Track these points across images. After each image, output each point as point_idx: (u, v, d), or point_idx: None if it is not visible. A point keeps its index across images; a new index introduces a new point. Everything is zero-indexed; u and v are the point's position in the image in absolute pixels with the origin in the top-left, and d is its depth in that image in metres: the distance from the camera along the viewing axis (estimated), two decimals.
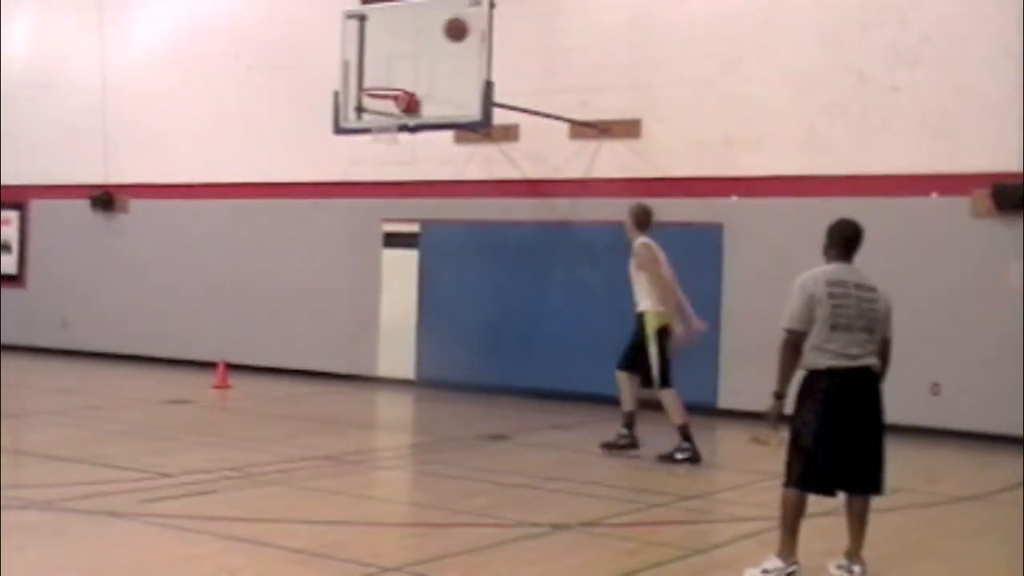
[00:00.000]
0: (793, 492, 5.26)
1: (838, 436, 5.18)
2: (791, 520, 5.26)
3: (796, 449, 5.27)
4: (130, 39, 15.71)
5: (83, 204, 15.84)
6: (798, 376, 5.33)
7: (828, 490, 5.27)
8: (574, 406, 11.78)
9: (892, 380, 8.88)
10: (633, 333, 8.74)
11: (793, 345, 5.22)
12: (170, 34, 15.38)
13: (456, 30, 10.41)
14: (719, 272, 11.60)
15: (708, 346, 11.53)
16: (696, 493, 7.70)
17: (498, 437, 9.66)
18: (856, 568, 5.28)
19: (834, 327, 5.19)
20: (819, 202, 10.40)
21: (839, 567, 5.34)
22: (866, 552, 5.36)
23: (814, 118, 11.21)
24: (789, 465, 5.29)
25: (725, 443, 10.58)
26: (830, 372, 5.20)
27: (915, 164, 10.71)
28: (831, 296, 5.21)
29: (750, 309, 11.14)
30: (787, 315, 5.25)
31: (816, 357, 5.22)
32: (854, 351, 5.20)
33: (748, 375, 10.71)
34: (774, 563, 5.27)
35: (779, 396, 5.28)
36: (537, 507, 6.88)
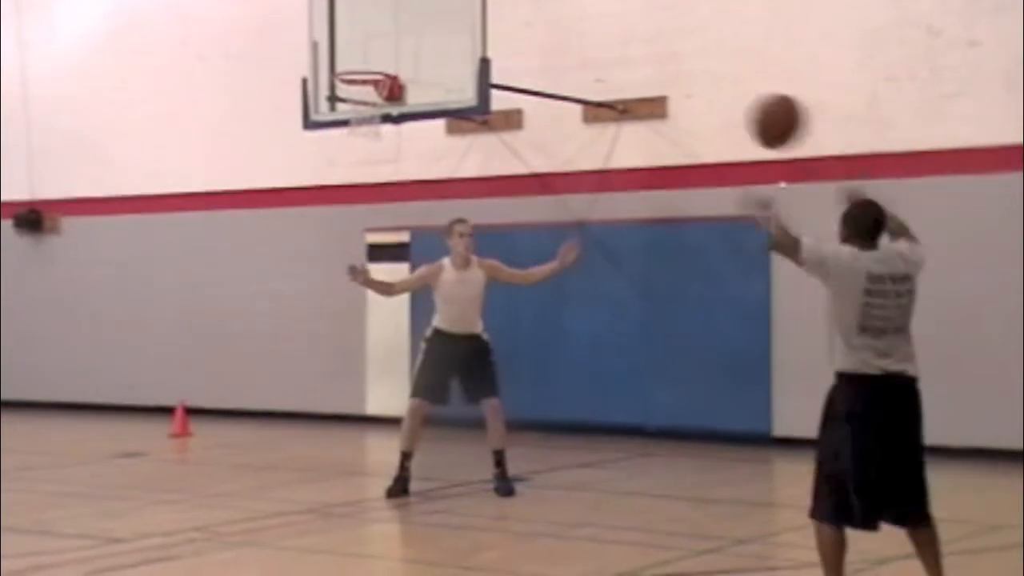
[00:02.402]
0: (828, 527, 5.31)
1: (872, 458, 5.21)
2: (831, 559, 5.32)
3: (824, 475, 5.31)
4: (55, 30, 15.86)
5: (5, 226, 15.94)
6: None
7: (865, 523, 5.28)
8: (602, 440, 11.80)
9: (983, 395, 8.82)
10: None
11: (793, 245, 5.38)
12: (104, 22, 15.51)
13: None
14: (767, 275, 11.63)
15: (759, 364, 11.59)
16: (752, 536, 7.71)
17: (514, 479, 9.67)
18: None
19: (866, 328, 5.24)
20: (886, 184, 10.25)
21: None
22: None
23: (877, 85, 11.25)
24: (816, 493, 5.35)
25: (784, 477, 10.59)
26: (861, 378, 5.25)
27: (1002, 133, 10.70)
28: (867, 293, 5.26)
29: (807, 317, 11.05)
30: (814, 246, 5.34)
31: (846, 359, 5.28)
32: (887, 354, 5.25)
33: (806, 395, 10.64)
34: None
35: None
36: (560, 559, 6.89)
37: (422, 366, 9.14)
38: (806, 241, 5.39)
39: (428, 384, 9.05)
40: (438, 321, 9.20)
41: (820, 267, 5.35)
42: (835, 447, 5.28)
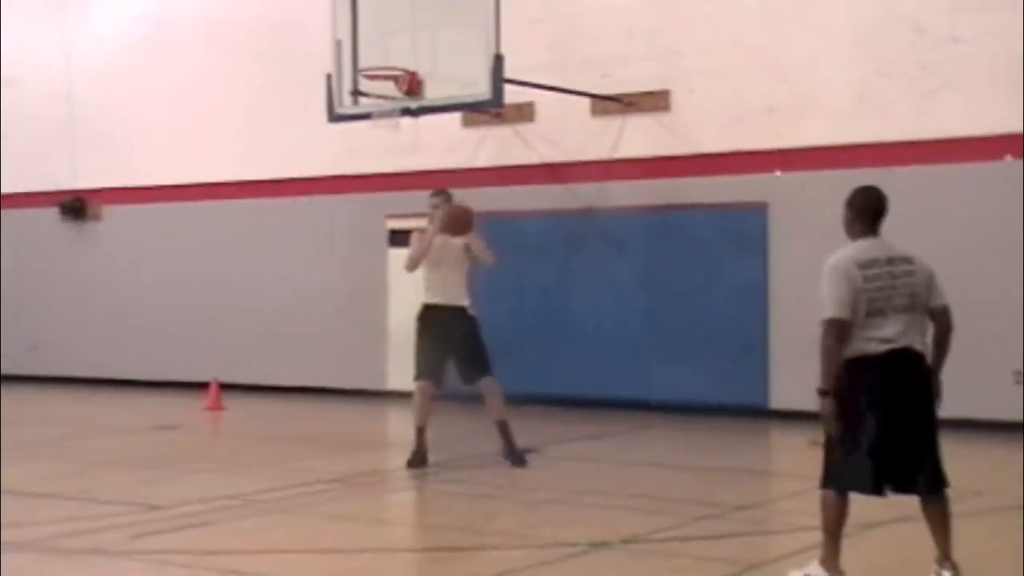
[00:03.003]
0: (833, 494, 5.30)
1: (881, 428, 5.19)
2: (833, 524, 5.31)
3: (834, 446, 5.30)
4: (95, 28, 15.87)
5: (51, 213, 16.00)
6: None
7: (876, 489, 5.27)
8: (607, 414, 11.82)
9: (970, 371, 8.85)
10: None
11: (837, 336, 5.20)
12: (140, 20, 15.52)
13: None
14: (765, 258, 11.62)
15: (756, 342, 11.58)
16: (750, 503, 7.72)
17: (524, 451, 9.68)
18: (945, 573, 5.29)
19: (870, 312, 5.21)
20: (876, 173, 10.30)
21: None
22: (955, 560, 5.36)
23: (867, 79, 11.20)
24: (827, 464, 5.33)
25: (780, 447, 10.59)
26: (865, 359, 5.21)
27: (985, 124, 10.67)
28: (865, 279, 5.22)
29: (801, 298, 11.06)
30: (831, 304, 5.22)
31: (851, 345, 5.22)
32: (891, 334, 5.21)
33: (801, 371, 10.60)
34: (818, 571, 5.35)
35: (825, 393, 5.28)
36: (571, 525, 6.91)
37: (419, 347, 9.10)
38: (839, 315, 5.18)
39: (428, 365, 9.03)
40: (426, 296, 9.14)
41: (854, 292, 5.19)
42: (848, 422, 5.23)
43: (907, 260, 5.35)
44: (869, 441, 5.21)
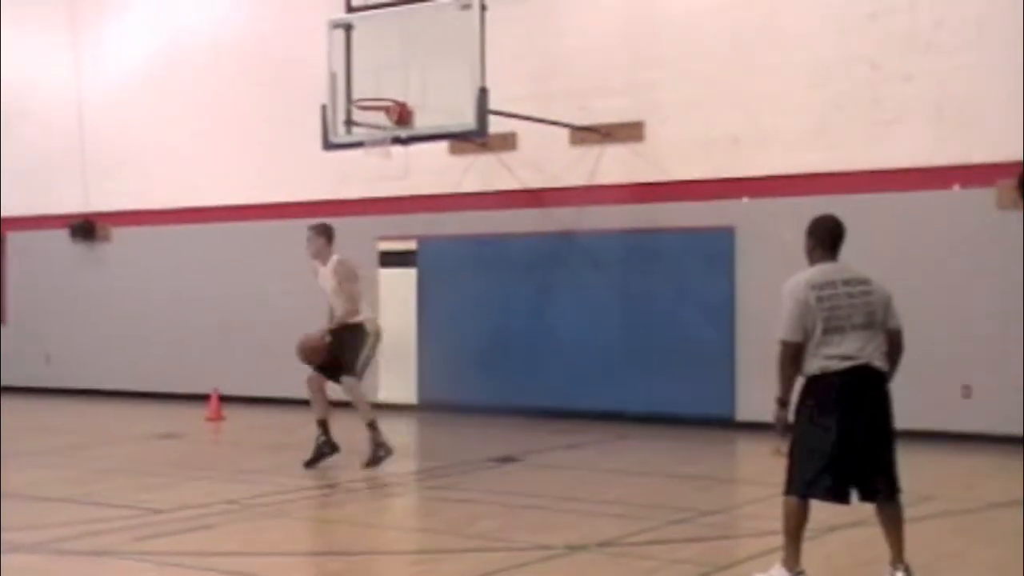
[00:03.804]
0: (794, 500, 5.31)
1: (842, 439, 5.21)
2: (794, 528, 5.32)
3: (796, 455, 5.32)
4: (105, 58, 15.83)
5: (62, 234, 15.93)
6: (799, 382, 5.37)
7: (836, 496, 5.28)
8: (585, 424, 11.79)
9: (921, 384, 8.88)
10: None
11: (791, 356, 5.27)
12: (148, 51, 15.49)
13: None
14: (732, 278, 11.65)
15: (723, 357, 11.60)
16: (717, 508, 7.71)
17: (506, 459, 9.67)
18: (899, 574, 5.29)
19: (827, 330, 5.23)
20: (834, 200, 10.39)
21: None
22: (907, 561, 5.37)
23: (825, 112, 11.27)
24: (790, 472, 5.34)
25: (746, 456, 10.59)
26: (826, 375, 5.23)
27: (934, 155, 10.75)
28: (819, 300, 5.24)
29: (766, 316, 11.06)
30: (782, 326, 5.29)
31: (812, 362, 5.26)
32: (851, 351, 5.23)
33: (766, 385, 10.64)
34: (780, 572, 5.36)
35: (783, 403, 5.34)
36: (550, 528, 6.89)
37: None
38: (788, 338, 5.25)
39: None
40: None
41: (804, 315, 5.22)
42: (805, 431, 5.26)
43: (864, 282, 5.38)
44: (830, 451, 5.22)
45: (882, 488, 5.31)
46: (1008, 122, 10.37)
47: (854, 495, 5.33)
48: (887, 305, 5.38)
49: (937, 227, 10.70)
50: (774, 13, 11.56)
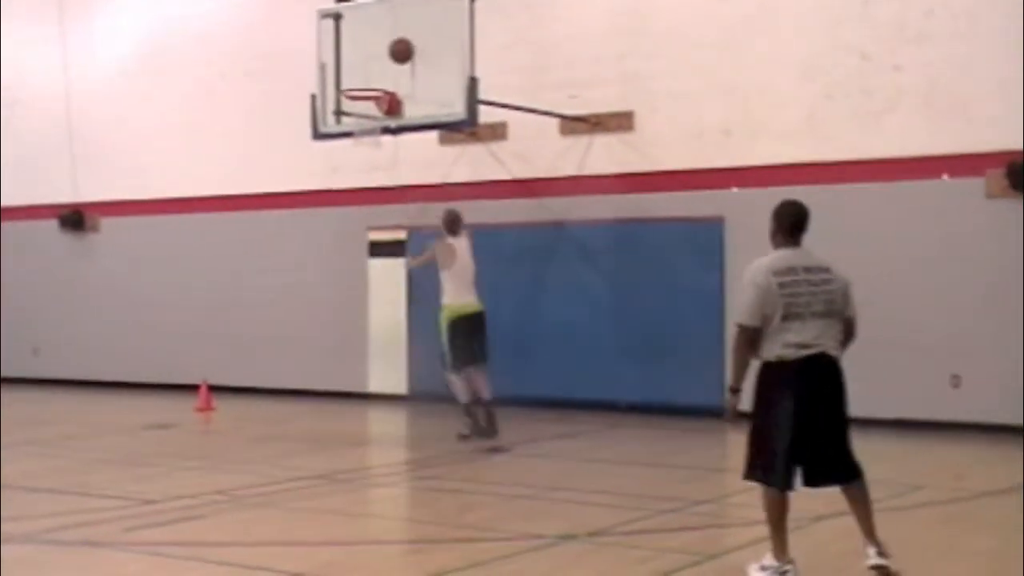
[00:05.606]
0: (772, 492, 5.36)
1: (796, 427, 5.24)
2: (776, 518, 5.37)
3: (754, 443, 5.35)
4: (94, 49, 15.76)
5: (51, 225, 15.87)
6: (755, 368, 5.39)
7: (785, 484, 5.32)
8: (576, 414, 11.82)
9: (911, 373, 8.89)
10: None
11: (747, 340, 5.31)
12: (137, 42, 15.43)
13: (401, 52, 10.66)
14: (722, 268, 11.66)
15: (713, 347, 11.62)
16: (707, 498, 7.75)
17: (497, 449, 9.70)
18: (871, 550, 5.34)
19: (786, 317, 5.24)
20: (824, 190, 10.45)
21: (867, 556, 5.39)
22: (890, 550, 5.39)
23: (815, 102, 11.28)
24: (750, 460, 5.39)
25: (736, 446, 10.59)
26: (783, 363, 5.26)
27: (924, 145, 10.77)
28: (781, 286, 5.25)
29: None
30: (739, 310, 5.33)
31: (769, 348, 5.29)
32: (808, 339, 5.26)
33: (753, 374, 10.74)
34: (771, 561, 5.41)
35: (734, 390, 5.39)
36: (541, 518, 6.91)
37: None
38: (744, 322, 5.28)
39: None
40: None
41: (763, 301, 5.24)
42: (764, 421, 5.33)
43: (825, 269, 5.39)
44: (785, 438, 5.25)
45: (843, 472, 5.35)
46: (998, 112, 10.40)
47: (798, 481, 5.35)
48: (846, 293, 5.43)
49: (927, 217, 10.73)
50: (765, 3, 11.56)
